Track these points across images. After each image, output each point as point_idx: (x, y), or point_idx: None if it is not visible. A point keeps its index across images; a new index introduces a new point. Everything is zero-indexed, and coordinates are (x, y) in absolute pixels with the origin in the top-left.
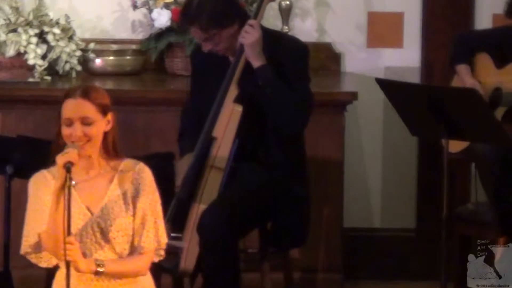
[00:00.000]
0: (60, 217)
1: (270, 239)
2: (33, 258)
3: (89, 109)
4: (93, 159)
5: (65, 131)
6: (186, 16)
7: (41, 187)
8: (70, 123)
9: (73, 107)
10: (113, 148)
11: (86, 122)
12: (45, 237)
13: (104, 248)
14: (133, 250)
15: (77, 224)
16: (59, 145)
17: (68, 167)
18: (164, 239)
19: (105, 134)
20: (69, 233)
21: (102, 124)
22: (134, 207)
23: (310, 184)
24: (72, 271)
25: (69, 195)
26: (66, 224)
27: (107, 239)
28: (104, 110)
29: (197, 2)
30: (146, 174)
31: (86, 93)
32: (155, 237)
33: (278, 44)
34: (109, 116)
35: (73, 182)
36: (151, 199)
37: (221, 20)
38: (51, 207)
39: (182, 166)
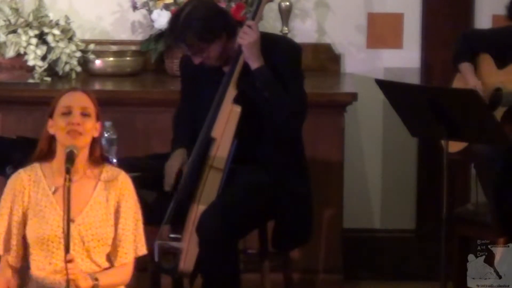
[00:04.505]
0: None
1: (271, 240)
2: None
3: (88, 102)
4: (77, 164)
5: (62, 120)
6: (172, 33)
7: (16, 195)
8: (69, 111)
9: (74, 97)
10: (101, 156)
11: (85, 112)
12: None
13: (82, 256)
14: (112, 260)
15: (55, 231)
16: (44, 142)
17: (67, 167)
18: (141, 251)
19: (94, 140)
20: (68, 237)
21: (94, 125)
22: (118, 218)
23: (311, 182)
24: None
25: (69, 196)
26: (66, 226)
27: (86, 248)
28: (97, 114)
29: (182, 19)
30: (129, 185)
31: (86, 91)
32: (134, 248)
33: (270, 46)
34: (99, 124)
35: (53, 188)
36: (134, 211)
37: (207, 36)
38: None
39: (170, 166)
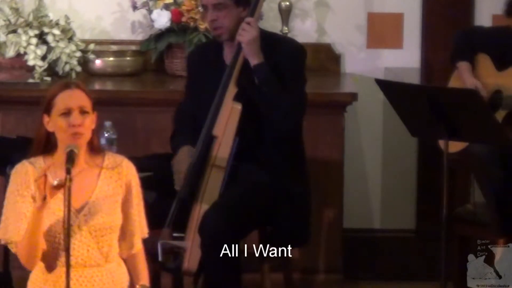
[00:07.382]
0: (40, 228)
1: (269, 238)
2: (13, 248)
3: (85, 99)
4: (78, 157)
5: (62, 122)
6: None
7: (23, 183)
8: (68, 113)
9: (71, 97)
10: (98, 145)
11: (83, 110)
12: (22, 245)
13: (89, 246)
14: (123, 245)
15: (62, 222)
16: (42, 138)
17: (68, 168)
18: (144, 234)
19: (91, 131)
20: (69, 237)
21: (92, 119)
22: (127, 204)
23: (310, 183)
24: (43, 273)
25: (69, 196)
26: (66, 224)
27: (94, 237)
28: (93, 106)
29: None
30: (134, 170)
31: (80, 86)
32: (141, 231)
33: (274, 45)
34: (95, 114)
35: (55, 182)
36: (139, 197)
37: None
38: (30, 221)
39: (179, 163)
